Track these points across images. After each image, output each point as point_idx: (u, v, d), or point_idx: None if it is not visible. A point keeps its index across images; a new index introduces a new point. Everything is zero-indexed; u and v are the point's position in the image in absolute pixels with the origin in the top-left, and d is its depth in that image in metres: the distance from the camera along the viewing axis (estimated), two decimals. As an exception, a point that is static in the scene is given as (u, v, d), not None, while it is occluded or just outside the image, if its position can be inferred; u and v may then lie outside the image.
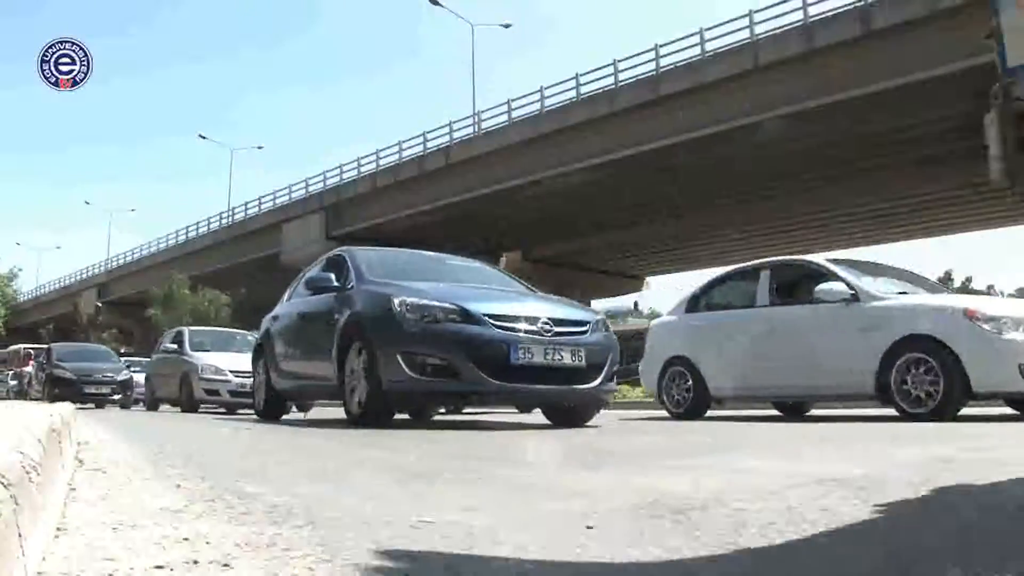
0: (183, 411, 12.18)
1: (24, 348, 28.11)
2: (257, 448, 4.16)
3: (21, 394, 21.33)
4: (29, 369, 21.61)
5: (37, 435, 1.65)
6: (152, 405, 14.49)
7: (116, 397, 16.56)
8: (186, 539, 1.38)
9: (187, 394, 12.36)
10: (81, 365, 16.90)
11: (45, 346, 20.81)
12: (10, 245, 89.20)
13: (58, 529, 1.45)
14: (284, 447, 4.19)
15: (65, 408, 3.77)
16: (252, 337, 13.88)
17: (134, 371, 19.60)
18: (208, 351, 13.05)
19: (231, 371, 12.07)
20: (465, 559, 1.21)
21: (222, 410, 12.37)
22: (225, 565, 1.19)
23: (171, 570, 1.17)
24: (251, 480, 2.27)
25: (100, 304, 50.11)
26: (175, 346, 13.43)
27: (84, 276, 55.09)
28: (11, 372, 26.19)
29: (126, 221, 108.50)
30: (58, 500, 1.69)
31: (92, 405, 16.07)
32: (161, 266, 44.08)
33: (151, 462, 2.95)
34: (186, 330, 14.38)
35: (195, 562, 1.21)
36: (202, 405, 12.40)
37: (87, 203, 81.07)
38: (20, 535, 1.00)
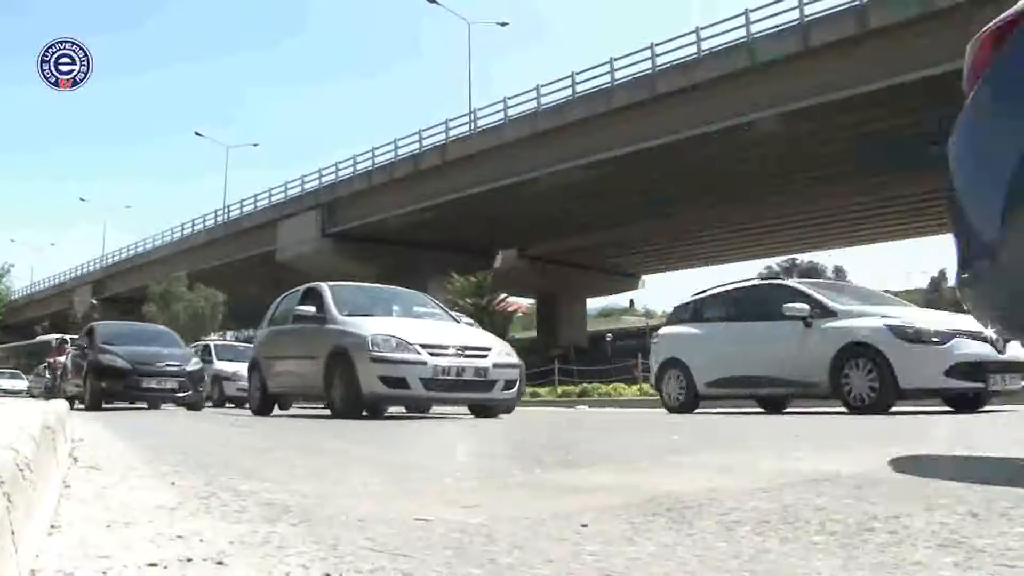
0: (339, 414, 7.47)
1: (59, 337, 23.26)
2: (252, 446, 4.15)
3: (54, 391, 18.00)
4: (64, 359, 17.87)
5: (31, 432, 1.65)
6: (262, 406, 9.29)
7: (183, 394, 12.27)
8: (180, 537, 1.37)
9: (346, 386, 7.38)
10: (137, 350, 12.48)
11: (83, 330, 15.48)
12: (5, 242, 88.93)
13: (52, 526, 1.45)
14: (279, 445, 4.19)
15: (59, 406, 3.76)
16: (426, 304, 9.41)
17: (225, 358, 16.20)
18: (370, 316, 8.15)
19: (422, 345, 7.35)
20: (461, 557, 1.21)
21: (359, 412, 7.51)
22: (219, 563, 1.19)
23: (165, 568, 1.16)
24: (246, 478, 2.27)
25: (95, 301, 49.97)
26: (311, 309, 8.33)
27: (79, 273, 55.00)
28: (44, 365, 22.87)
29: (121, 219, 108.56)
30: (52, 497, 1.69)
31: (144, 404, 12.71)
32: (156, 263, 44.04)
33: (146, 460, 2.94)
34: (325, 286, 8.75)
35: (189, 560, 1.20)
36: (374, 403, 7.68)
37: (82, 200, 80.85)
38: (13, 532, 0.99)
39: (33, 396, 24.40)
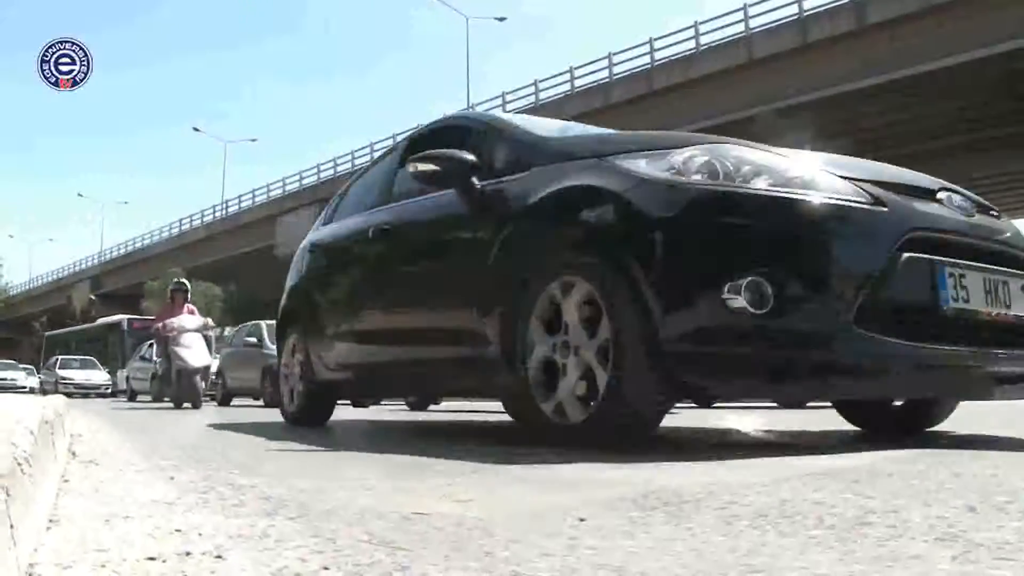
0: None
1: (175, 282, 10.79)
2: (250, 441, 4.15)
3: (167, 381, 10.10)
4: (192, 321, 10.02)
5: (29, 427, 1.65)
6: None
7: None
8: (179, 530, 1.37)
9: None
10: None
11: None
12: (3, 238, 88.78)
13: (50, 520, 1.45)
14: (277, 441, 4.19)
15: (57, 400, 3.75)
16: None
17: None
18: None
19: None
20: (458, 550, 1.21)
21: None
22: (218, 556, 1.19)
23: (163, 561, 1.16)
24: (244, 472, 2.28)
25: (94, 296, 49.94)
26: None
27: (77, 269, 54.97)
28: (151, 338, 12.77)
29: (119, 214, 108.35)
30: (50, 492, 1.69)
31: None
32: (154, 259, 44.02)
33: (144, 455, 2.94)
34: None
35: (187, 553, 1.21)
36: None
37: (80, 195, 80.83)
38: (12, 526, 0.99)
39: (129, 396, 16.69)
